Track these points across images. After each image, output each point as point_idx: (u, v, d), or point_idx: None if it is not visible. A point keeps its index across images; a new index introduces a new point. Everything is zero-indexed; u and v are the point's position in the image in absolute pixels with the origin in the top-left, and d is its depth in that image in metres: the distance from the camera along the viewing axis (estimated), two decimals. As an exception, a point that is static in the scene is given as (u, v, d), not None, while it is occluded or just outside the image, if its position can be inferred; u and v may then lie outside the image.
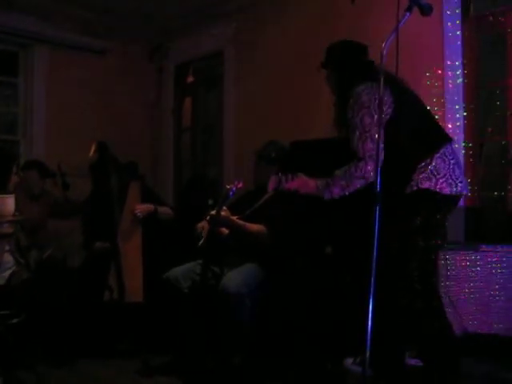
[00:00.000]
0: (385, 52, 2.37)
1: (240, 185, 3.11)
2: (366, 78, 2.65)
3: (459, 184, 2.58)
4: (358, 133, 2.58)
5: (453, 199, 2.63)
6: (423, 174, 2.55)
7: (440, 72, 3.70)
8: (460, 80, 3.66)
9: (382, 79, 2.28)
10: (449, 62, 3.67)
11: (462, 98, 3.65)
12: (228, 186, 3.11)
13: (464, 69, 3.67)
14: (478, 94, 3.73)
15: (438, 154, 2.58)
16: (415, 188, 2.56)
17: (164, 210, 4.07)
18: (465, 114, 3.64)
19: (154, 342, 3.67)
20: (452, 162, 2.59)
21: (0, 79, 5.10)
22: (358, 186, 2.58)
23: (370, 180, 2.53)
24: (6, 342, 2.96)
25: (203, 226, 3.41)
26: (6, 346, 2.96)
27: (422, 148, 2.60)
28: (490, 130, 3.70)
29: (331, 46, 2.94)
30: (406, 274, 2.60)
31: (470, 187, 2.75)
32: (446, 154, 2.60)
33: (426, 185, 2.55)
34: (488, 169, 3.60)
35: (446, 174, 2.56)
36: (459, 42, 3.68)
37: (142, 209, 3.91)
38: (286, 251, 3.40)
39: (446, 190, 2.55)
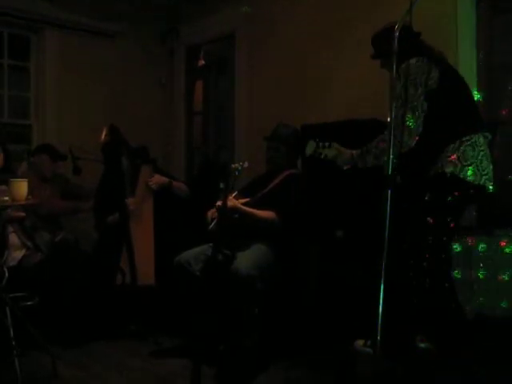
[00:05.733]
0: (397, 34, 2.36)
1: (246, 164, 3.05)
2: (419, 53, 2.70)
3: (484, 176, 2.60)
4: (400, 102, 2.61)
5: (473, 188, 2.62)
6: (449, 158, 2.57)
7: (454, 52, 3.64)
8: (474, 61, 3.61)
9: (395, 58, 2.30)
10: (463, 42, 3.61)
11: (475, 80, 3.60)
12: (233, 166, 3.07)
13: (478, 49, 3.61)
14: (492, 76, 3.67)
15: (469, 142, 2.59)
16: (439, 171, 2.57)
17: (179, 185, 4.08)
18: (479, 95, 3.59)
19: (165, 324, 3.71)
20: (482, 153, 2.61)
21: (12, 63, 5.10)
22: None
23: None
24: (21, 324, 2.99)
25: (213, 212, 3.42)
26: (21, 327, 2.99)
27: (453, 129, 2.62)
28: (504, 112, 3.65)
29: (378, 35, 2.95)
30: (415, 253, 2.62)
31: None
32: (478, 143, 2.63)
33: (449, 169, 2.56)
34: (501, 152, 3.55)
35: (473, 164, 2.57)
36: (474, 22, 3.62)
37: (155, 180, 3.92)
38: (296, 234, 3.40)
39: (470, 178, 2.56)
